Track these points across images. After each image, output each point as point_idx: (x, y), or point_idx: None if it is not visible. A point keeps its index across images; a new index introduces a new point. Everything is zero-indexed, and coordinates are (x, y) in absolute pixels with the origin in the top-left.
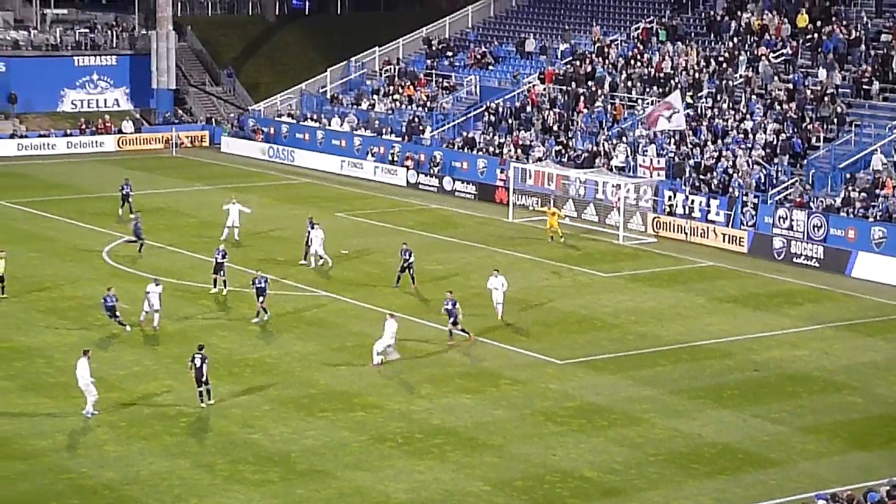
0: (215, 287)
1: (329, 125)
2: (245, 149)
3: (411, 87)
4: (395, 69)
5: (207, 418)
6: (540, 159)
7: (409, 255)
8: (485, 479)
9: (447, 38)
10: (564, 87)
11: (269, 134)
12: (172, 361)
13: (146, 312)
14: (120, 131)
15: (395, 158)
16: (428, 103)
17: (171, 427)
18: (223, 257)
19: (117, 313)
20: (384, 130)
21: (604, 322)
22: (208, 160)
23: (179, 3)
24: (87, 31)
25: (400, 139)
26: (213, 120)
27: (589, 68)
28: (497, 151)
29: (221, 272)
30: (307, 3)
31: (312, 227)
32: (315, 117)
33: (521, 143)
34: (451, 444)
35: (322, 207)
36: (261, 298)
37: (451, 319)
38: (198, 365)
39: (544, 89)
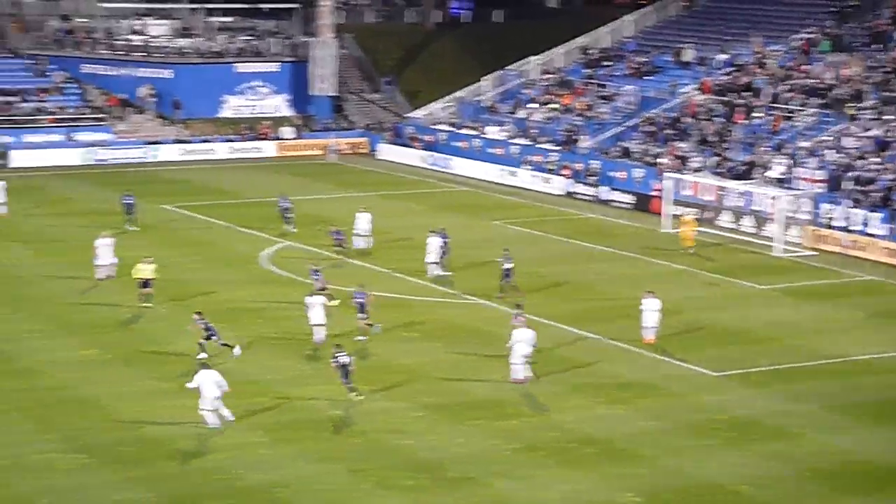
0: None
1: (486, 133)
2: (402, 156)
3: (568, 96)
4: (552, 78)
5: (359, 423)
6: (697, 170)
7: (508, 262)
8: (636, 491)
9: (605, 47)
10: (723, 98)
11: (427, 141)
12: (322, 366)
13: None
14: (280, 138)
15: (552, 167)
16: (585, 112)
17: (323, 431)
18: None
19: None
20: (541, 139)
21: (759, 335)
22: (366, 167)
23: (340, 12)
24: (249, 38)
25: (556, 148)
26: (372, 127)
27: (748, 79)
28: (654, 161)
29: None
30: (466, 11)
31: (438, 236)
32: (472, 125)
33: (677, 153)
34: (603, 454)
35: (478, 215)
36: (362, 315)
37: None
38: (342, 363)
39: (703, 100)
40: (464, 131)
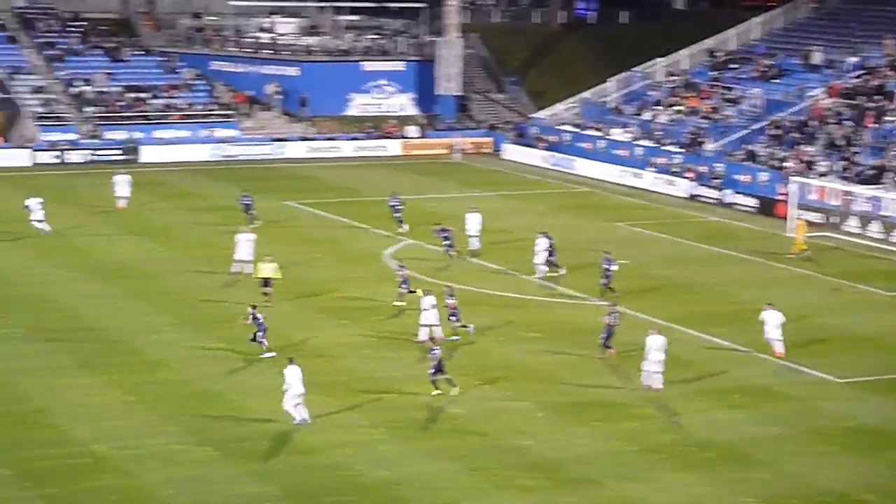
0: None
1: (610, 135)
2: (526, 156)
3: (694, 99)
4: (677, 80)
5: (479, 423)
6: (823, 174)
7: (610, 264)
8: (757, 496)
9: (732, 49)
10: (852, 102)
11: (551, 142)
12: (447, 364)
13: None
14: (404, 136)
15: (676, 170)
16: (710, 115)
17: (444, 429)
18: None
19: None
20: (665, 141)
21: (885, 342)
22: (490, 167)
23: (466, 11)
24: (376, 37)
25: (681, 150)
26: (496, 127)
27: (879, 82)
28: (779, 165)
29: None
30: (591, 12)
31: (545, 237)
32: (596, 126)
33: (804, 157)
34: (724, 458)
35: (601, 217)
36: (452, 318)
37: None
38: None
39: (830, 104)
40: (588, 132)
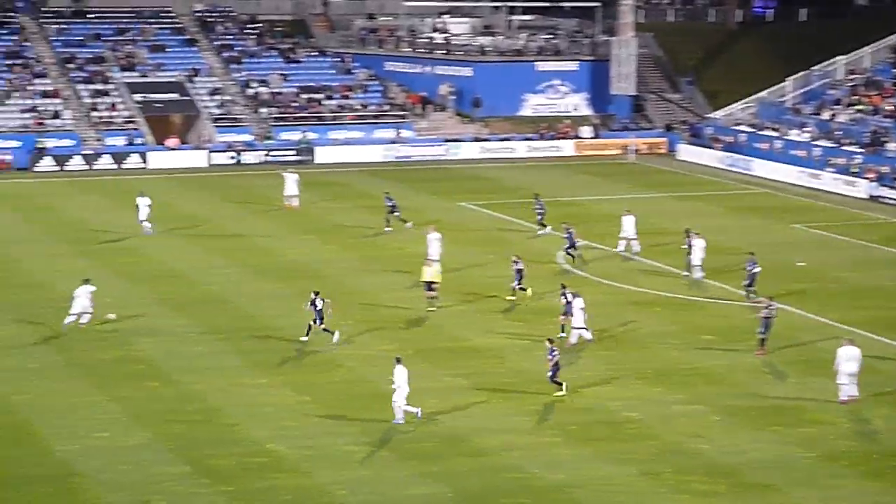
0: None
1: (788, 135)
2: (702, 157)
3: (876, 97)
4: (858, 78)
5: (655, 426)
6: None
7: (753, 266)
8: None
9: None
10: None
11: (727, 142)
12: (622, 367)
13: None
14: (578, 136)
15: (856, 170)
16: (893, 114)
17: (618, 433)
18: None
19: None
20: (845, 141)
21: None
22: (664, 167)
23: (641, 11)
24: (550, 37)
25: (862, 150)
26: (671, 127)
27: None
28: None
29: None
30: (769, 10)
31: (691, 237)
32: (773, 126)
33: None
34: None
35: (777, 218)
36: (563, 316)
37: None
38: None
39: None
40: (765, 132)
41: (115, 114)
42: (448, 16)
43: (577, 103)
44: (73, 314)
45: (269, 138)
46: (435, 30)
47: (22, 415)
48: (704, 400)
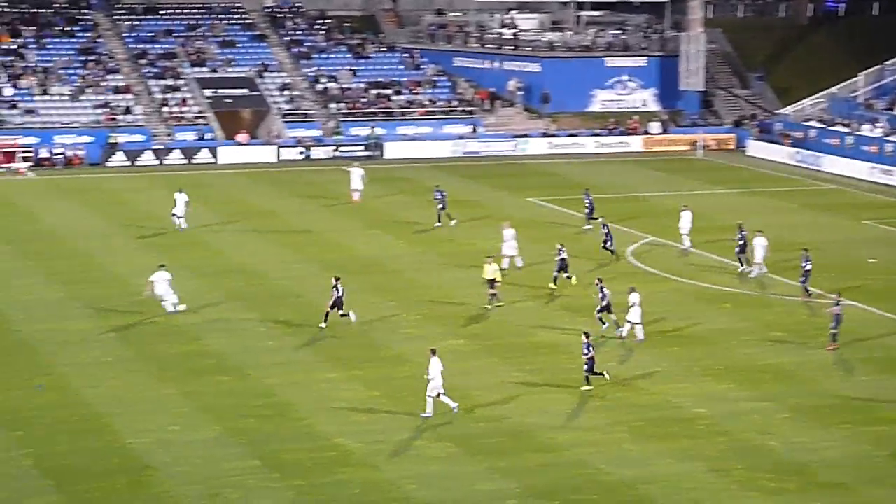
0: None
1: (859, 130)
2: (771, 153)
3: None
4: None
5: (724, 422)
6: None
7: (807, 263)
8: None
9: None
10: None
11: (797, 138)
12: (691, 363)
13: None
14: (647, 132)
15: None
16: None
17: (688, 429)
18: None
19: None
20: None
21: None
22: (733, 163)
23: (710, 6)
24: (618, 32)
25: None
26: (741, 123)
27: None
28: None
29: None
30: (841, 5)
31: (744, 232)
32: (844, 122)
33: None
34: None
35: (847, 215)
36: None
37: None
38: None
39: None
40: (835, 128)
41: (185, 109)
42: (517, 11)
43: (645, 99)
44: (166, 300)
45: (338, 134)
46: (503, 25)
47: (96, 408)
48: (774, 397)
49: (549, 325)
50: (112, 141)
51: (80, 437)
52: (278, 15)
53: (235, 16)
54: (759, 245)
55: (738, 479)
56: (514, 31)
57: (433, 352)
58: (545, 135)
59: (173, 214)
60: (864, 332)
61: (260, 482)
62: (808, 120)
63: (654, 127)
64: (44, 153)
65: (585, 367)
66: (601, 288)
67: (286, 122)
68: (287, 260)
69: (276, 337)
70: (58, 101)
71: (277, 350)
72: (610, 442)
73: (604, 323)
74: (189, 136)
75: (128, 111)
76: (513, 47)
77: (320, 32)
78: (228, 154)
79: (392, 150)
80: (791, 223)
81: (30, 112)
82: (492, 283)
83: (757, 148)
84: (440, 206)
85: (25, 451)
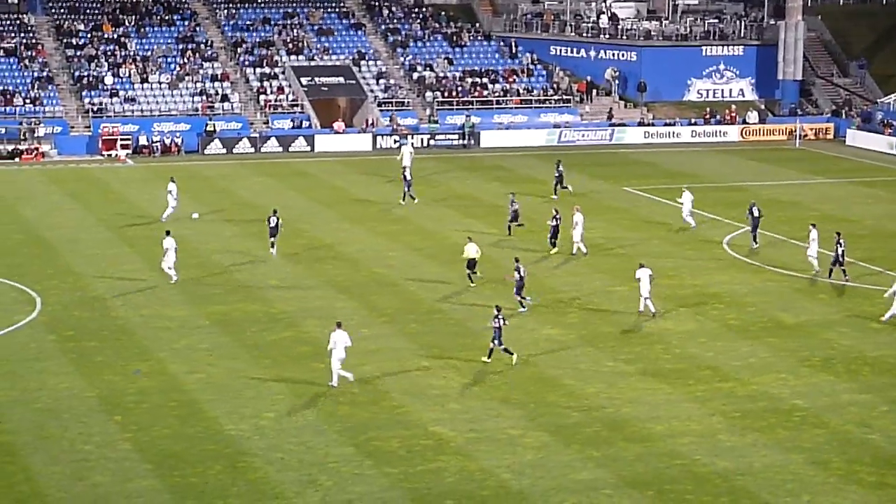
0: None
1: None
2: (871, 142)
3: None
4: None
5: (823, 414)
6: None
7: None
8: None
9: None
10: None
11: None
12: (789, 354)
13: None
14: (744, 122)
15: None
16: None
17: (784, 420)
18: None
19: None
20: None
21: None
22: (832, 153)
23: None
24: (715, 21)
25: None
26: (840, 112)
27: None
28: None
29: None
30: None
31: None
32: None
33: None
34: None
35: None
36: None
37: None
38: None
39: None
40: None
41: (281, 97)
42: (613, 0)
43: (742, 88)
44: (169, 267)
45: (434, 122)
46: (600, 14)
47: (193, 394)
48: (873, 389)
49: (642, 313)
50: (209, 129)
51: (179, 423)
52: (375, 3)
53: (332, 4)
54: (813, 239)
55: (837, 472)
56: (610, 19)
57: (338, 325)
58: (641, 124)
59: (170, 206)
60: None
61: (354, 469)
62: None
63: (752, 116)
64: (143, 141)
65: (494, 337)
66: (518, 268)
67: (382, 110)
68: (382, 247)
69: (373, 325)
70: (156, 89)
71: (373, 338)
72: (705, 433)
73: (523, 306)
74: (285, 125)
75: (225, 99)
76: (609, 36)
77: (417, 21)
78: (324, 142)
79: (487, 139)
80: (890, 213)
81: (129, 100)
82: (471, 262)
83: (856, 137)
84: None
85: (124, 436)
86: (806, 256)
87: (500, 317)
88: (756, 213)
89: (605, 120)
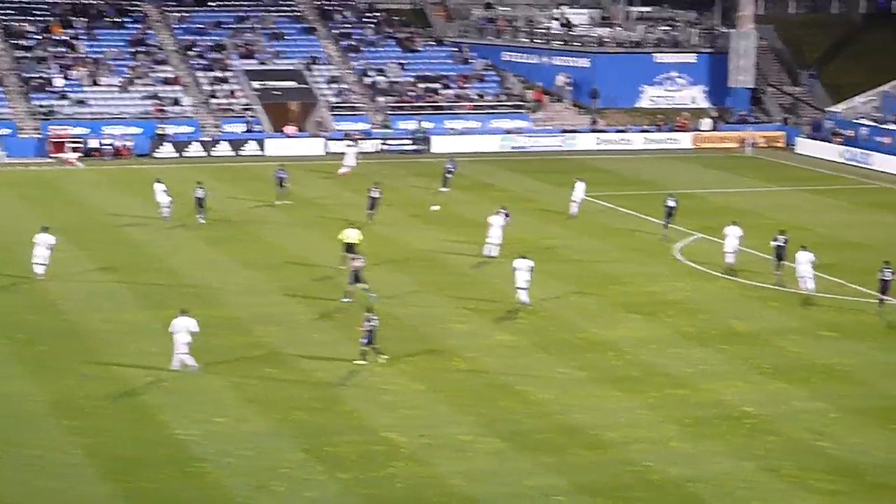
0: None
1: None
2: (821, 151)
3: None
4: None
5: (775, 422)
6: None
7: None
8: None
9: None
10: None
11: (848, 137)
12: (741, 362)
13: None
14: (696, 129)
15: None
16: None
17: (736, 428)
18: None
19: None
20: None
21: None
22: (783, 161)
23: (761, 2)
24: (668, 28)
25: None
26: (790, 121)
27: None
28: None
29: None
30: (894, 2)
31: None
32: None
33: None
34: None
35: None
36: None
37: None
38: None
39: None
40: (887, 126)
41: (233, 101)
42: (566, 6)
43: (694, 95)
44: (38, 263)
45: (386, 127)
46: (553, 20)
47: (145, 398)
48: (825, 396)
49: (598, 321)
50: (160, 132)
51: (129, 427)
52: (327, 8)
53: (284, 8)
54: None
55: (788, 479)
56: (563, 26)
57: (183, 311)
58: (593, 130)
59: (162, 206)
60: None
61: (306, 475)
62: (860, 118)
63: (704, 124)
64: (93, 144)
65: (364, 339)
66: (368, 318)
67: (334, 114)
68: (337, 252)
69: (324, 330)
70: (107, 92)
71: (324, 343)
72: (658, 439)
73: (347, 297)
74: (237, 128)
75: (176, 102)
76: (562, 42)
77: (369, 25)
78: (276, 146)
79: (439, 144)
80: (840, 221)
81: (80, 102)
82: (349, 247)
83: (806, 146)
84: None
85: (75, 441)
86: (723, 254)
87: (372, 319)
88: (671, 204)
89: (558, 127)
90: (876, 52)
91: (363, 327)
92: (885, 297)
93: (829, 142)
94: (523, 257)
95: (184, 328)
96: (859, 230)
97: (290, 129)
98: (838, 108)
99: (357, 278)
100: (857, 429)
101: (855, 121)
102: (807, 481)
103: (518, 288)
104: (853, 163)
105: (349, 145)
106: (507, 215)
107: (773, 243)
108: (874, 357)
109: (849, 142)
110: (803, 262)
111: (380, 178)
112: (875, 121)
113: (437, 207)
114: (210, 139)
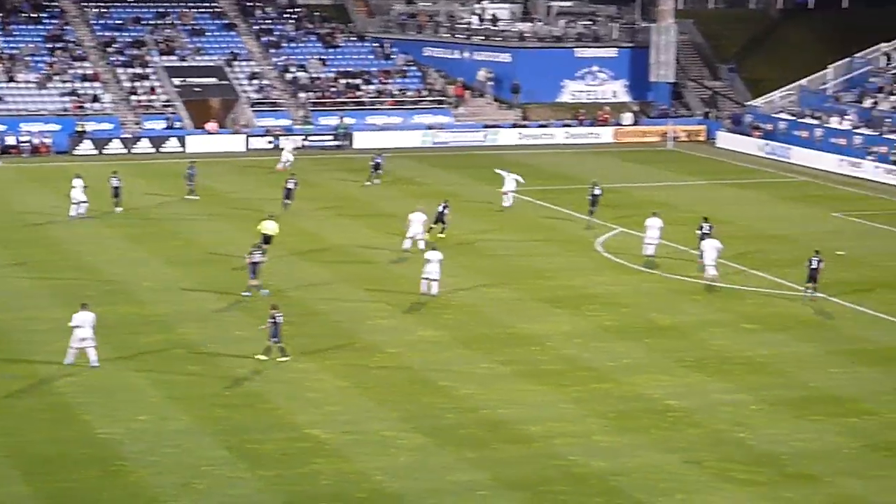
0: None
1: (829, 123)
2: (741, 145)
3: None
4: None
5: (697, 414)
6: None
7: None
8: None
9: None
10: None
11: (767, 130)
12: (663, 355)
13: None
14: (618, 123)
15: None
16: None
17: (659, 421)
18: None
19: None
20: (887, 129)
21: None
22: (703, 155)
23: None
24: (589, 23)
25: None
26: (711, 115)
27: None
28: None
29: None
30: None
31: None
32: (814, 114)
33: None
34: None
35: (818, 206)
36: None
37: None
38: (277, 322)
39: None
40: (805, 120)
41: (154, 98)
42: (487, 1)
43: (615, 90)
44: None
45: (308, 123)
46: (474, 15)
47: (66, 397)
48: (746, 389)
49: (521, 316)
50: (80, 129)
51: (51, 427)
52: (248, 4)
53: (205, 4)
54: (712, 247)
55: (710, 471)
56: (484, 21)
57: (83, 305)
58: (515, 125)
59: (76, 201)
60: (833, 324)
61: (229, 472)
62: (779, 112)
63: (625, 118)
64: (10, 141)
65: (274, 338)
66: (273, 315)
67: (255, 111)
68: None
69: (247, 326)
70: (24, 89)
71: (247, 340)
72: (581, 433)
73: (249, 292)
74: (158, 125)
75: (95, 99)
76: (483, 37)
77: (290, 21)
78: (197, 143)
79: (361, 140)
80: (761, 214)
81: None
82: (266, 238)
83: (727, 140)
84: (189, 179)
85: None
86: (643, 245)
87: (276, 315)
88: (597, 192)
89: (481, 122)
90: (794, 46)
91: (266, 325)
92: (813, 286)
93: (749, 136)
94: (434, 249)
95: (84, 322)
96: (779, 223)
97: (211, 126)
98: (757, 102)
99: (255, 272)
100: (776, 420)
101: (774, 115)
102: (728, 473)
103: (424, 278)
104: (773, 156)
105: (285, 140)
106: (446, 207)
107: (698, 232)
108: (793, 348)
109: (768, 135)
110: (709, 248)
111: (297, 173)
112: (793, 115)
113: None
114: (130, 136)
